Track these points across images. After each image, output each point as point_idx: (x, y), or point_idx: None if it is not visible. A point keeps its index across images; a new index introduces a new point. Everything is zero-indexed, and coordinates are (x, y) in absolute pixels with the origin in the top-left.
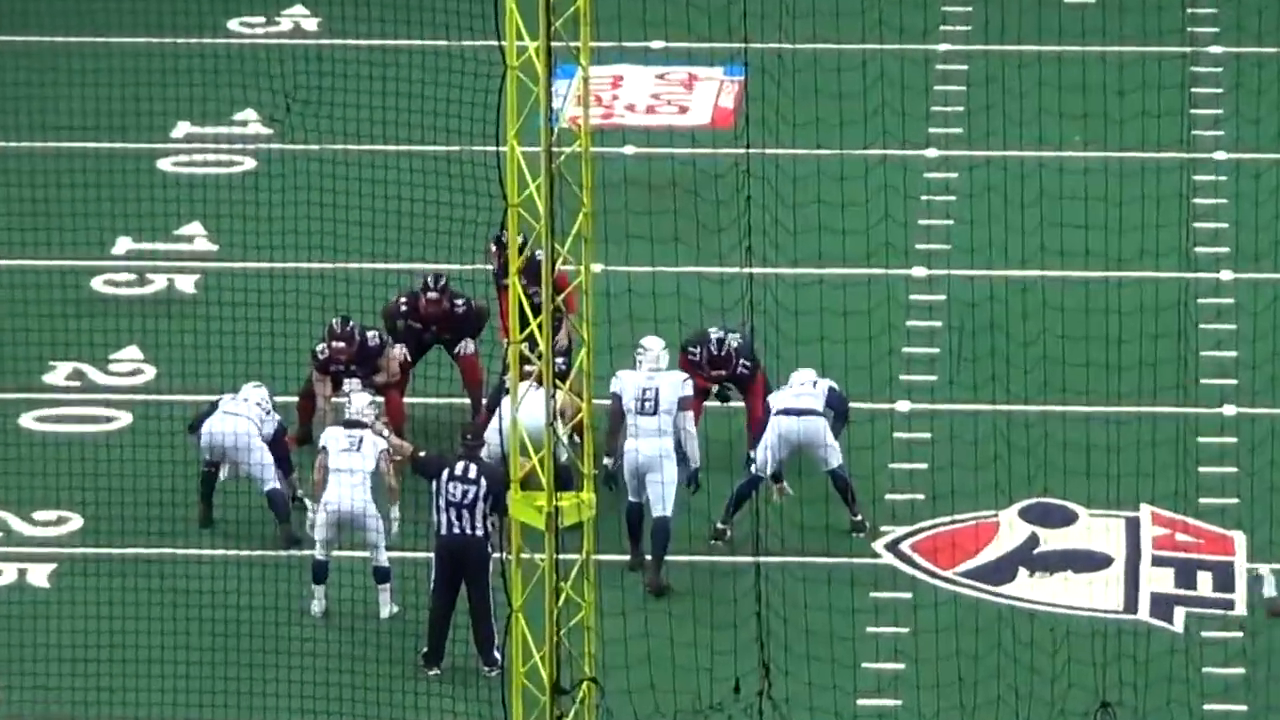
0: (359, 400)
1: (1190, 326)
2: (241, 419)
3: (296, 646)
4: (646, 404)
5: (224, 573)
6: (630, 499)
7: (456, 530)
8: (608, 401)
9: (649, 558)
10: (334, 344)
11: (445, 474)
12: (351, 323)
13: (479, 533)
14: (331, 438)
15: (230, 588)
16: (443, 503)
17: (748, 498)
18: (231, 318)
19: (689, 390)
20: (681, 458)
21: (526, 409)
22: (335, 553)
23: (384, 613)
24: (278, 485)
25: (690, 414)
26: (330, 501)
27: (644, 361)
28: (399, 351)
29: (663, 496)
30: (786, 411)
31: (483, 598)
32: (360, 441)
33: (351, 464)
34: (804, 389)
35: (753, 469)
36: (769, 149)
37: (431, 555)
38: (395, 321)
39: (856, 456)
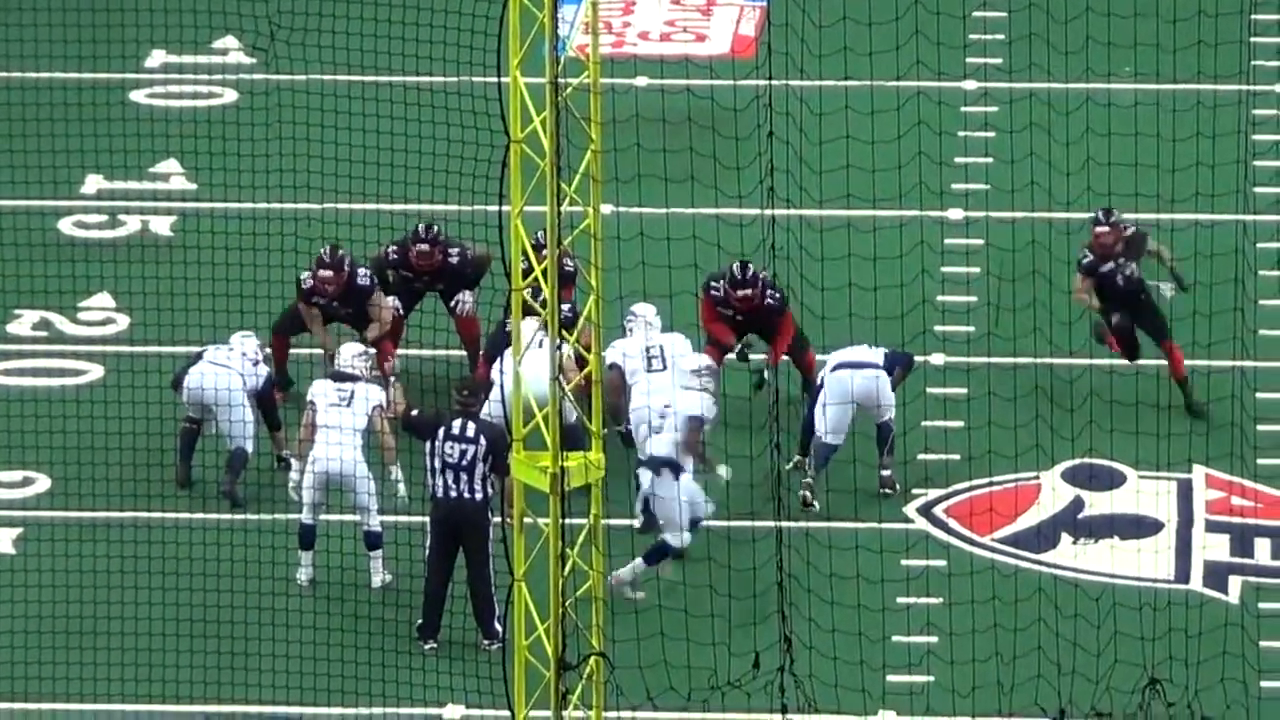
0: (348, 350)
1: (1248, 273)
2: (227, 372)
3: (281, 618)
4: (654, 360)
5: (202, 538)
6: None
7: (454, 494)
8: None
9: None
10: (320, 272)
11: (441, 433)
12: (343, 252)
13: (478, 496)
14: (320, 392)
15: (210, 554)
16: (438, 464)
17: (825, 465)
18: (210, 263)
19: (688, 348)
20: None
21: (530, 367)
22: (325, 517)
23: (375, 582)
24: (247, 447)
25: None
26: (318, 460)
27: (635, 328)
28: (391, 302)
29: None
30: (844, 365)
31: (482, 566)
32: (351, 396)
33: (341, 420)
34: (860, 349)
35: (823, 437)
36: (793, 80)
37: (427, 520)
38: (385, 272)
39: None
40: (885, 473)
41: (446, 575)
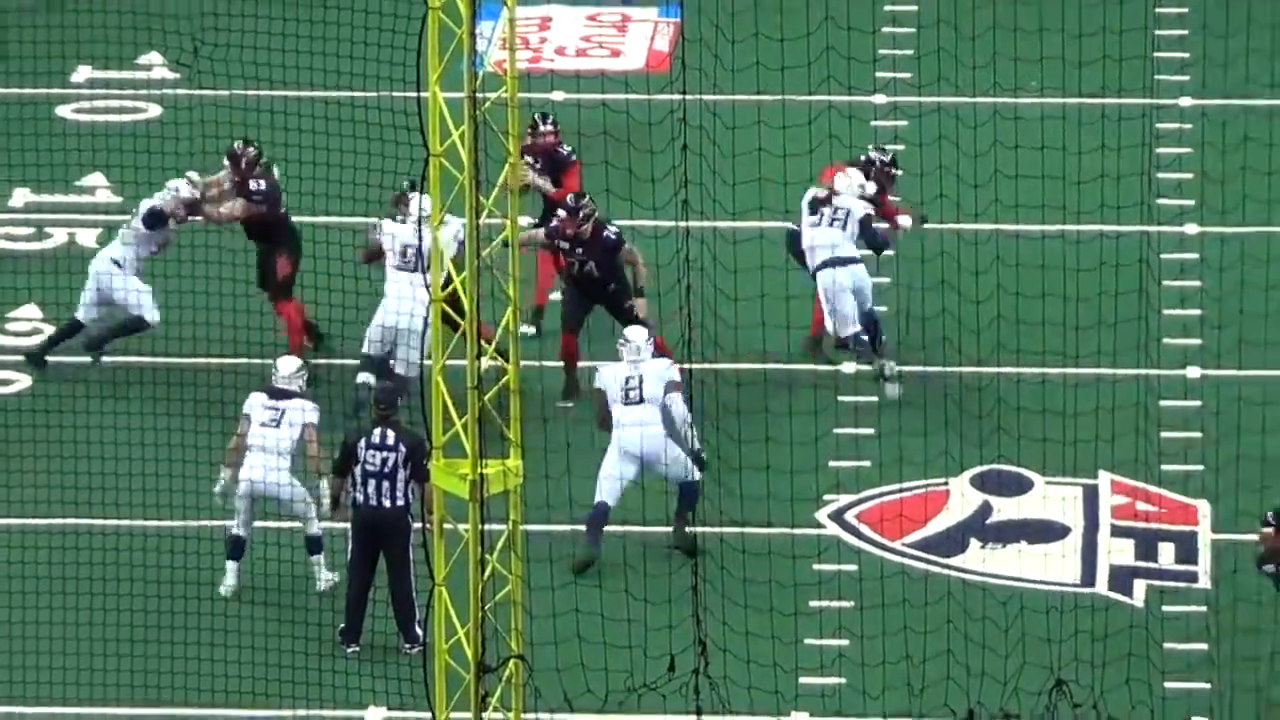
0: (286, 365)
1: (1152, 283)
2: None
3: (207, 623)
4: (631, 393)
5: (130, 544)
6: (600, 499)
7: (374, 502)
8: (535, 363)
9: (675, 520)
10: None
11: (363, 442)
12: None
13: (399, 503)
14: (255, 406)
15: (138, 560)
16: (360, 473)
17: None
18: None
19: (675, 375)
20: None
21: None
22: (258, 523)
23: (321, 584)
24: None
25: (679, 396)
26: (245, 480)
27: (625, 353)
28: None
29: (684, 468)
30: (830, 264)
31: (403, 571)
32: (282, 414)
33: (266, 442)
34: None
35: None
36: (706, 95)
37: (348, 527)
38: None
39: (799, 421)
40: (880, 361)
41: (367, 581)
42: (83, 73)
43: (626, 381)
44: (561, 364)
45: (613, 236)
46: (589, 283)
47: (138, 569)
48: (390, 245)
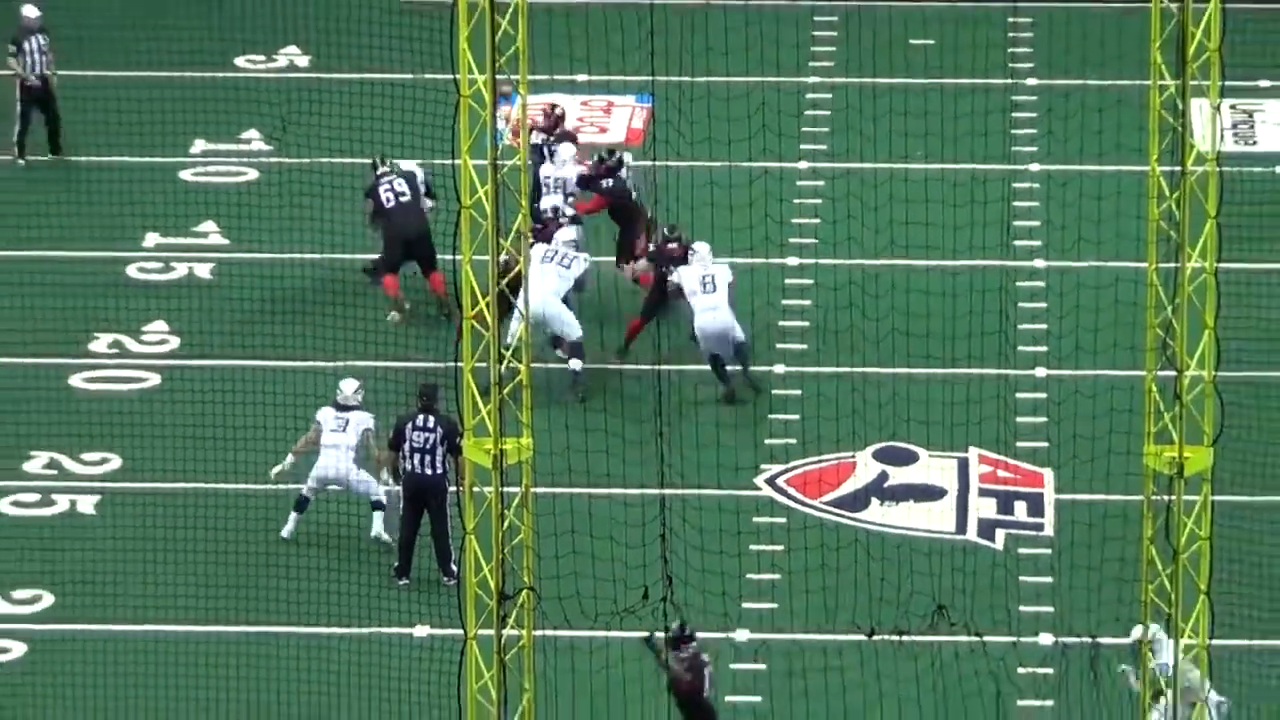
0: (348, 386)
1: (1010, 305)
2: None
3: (297, 562)
4: (706, 286)
5: (236, 503)
6: (714, 352)
7: (419, 470)
8: (541, 365)
9: (726, 385)
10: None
11: (409, 425)
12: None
13: (439, 471)
14: (326, 417)
15: (243, 515)
16: (409, 448)
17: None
18: (240, 298)
19: (731, 275)
20: None
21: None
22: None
23: (375, 530)
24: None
25: (732, 287)
26: (320, 467)
27: (695, 260)
28: None
29: (742, 332)
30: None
31: (442, 523)
32: (347, 423)
33: (338, 440)
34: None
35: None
36: (671, 162)
37: (400, 489)
38: None
39: (741, 409)
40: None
41: (414, 531)
42: (199, 145)
43: (702, 278)
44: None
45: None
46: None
47: (247, 520)
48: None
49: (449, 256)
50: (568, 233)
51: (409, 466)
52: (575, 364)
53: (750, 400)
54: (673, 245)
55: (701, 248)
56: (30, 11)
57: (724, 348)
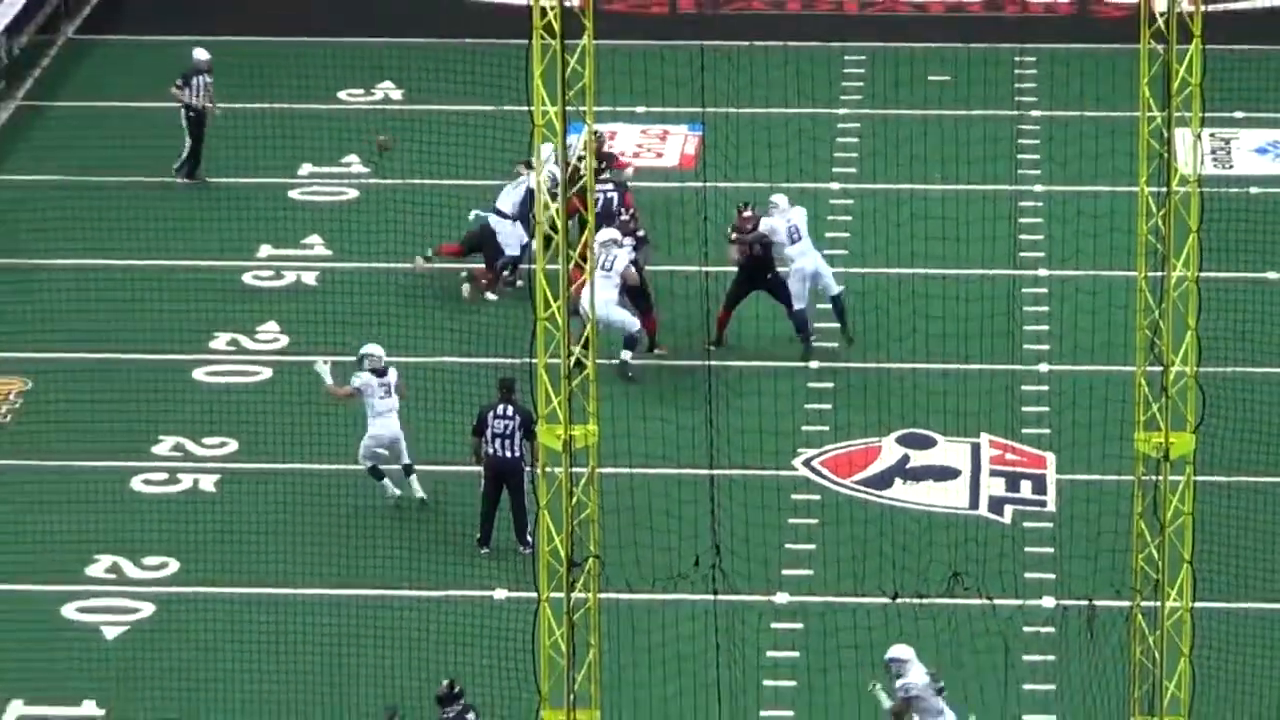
0: (377, 349)
1: (1016, 308)
2: None
3: (391, 534)
4: (794, 235)
5: (339, 481)
6: (798, 306)
7: (500, 453)
8: (611, 361)
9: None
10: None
11: (491, 414)
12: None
13: (516, 454)
14: (370, 384)
15: (344, 492)
16: (490, 434)
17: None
18: (341, 302)
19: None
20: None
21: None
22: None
23: (419, 493)
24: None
25: None
26: (378, 434)
27: (777, 211)
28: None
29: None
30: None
31: (519, 500)
32: (391, 385)
33: (390, 405)
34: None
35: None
36: (719, 183)
37: (481, 469)
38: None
39: (782, 400)
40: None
41: (494, 507)
42: (306, 168)
43: (789, 225)
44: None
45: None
46: (758, 266)
47: (344, 498)
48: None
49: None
50: (605, 233)
51: (491, 450)
52: (626, 354)
53: (845, 349)
54: (748, 215)
55: (780, 199)
56: (201, 54)
57: (821, 282)
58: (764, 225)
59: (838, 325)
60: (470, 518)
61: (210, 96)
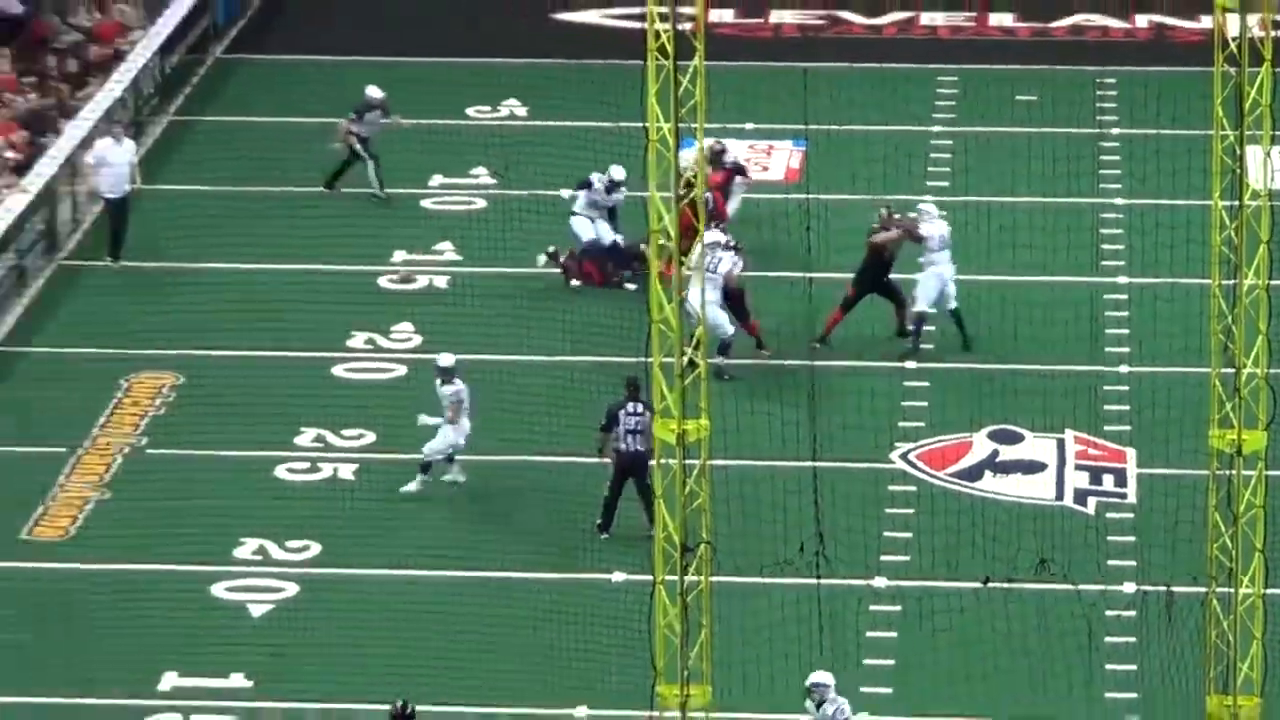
0: (449, 359)
1: (1099, 312)
2: None
3: (518, 518)
4: (944, 242)
5: (469, 471)
6: (922, 307)
7: (632, 448)
8: (719, 359)
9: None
10: None
11: (622, 411)
12: None
13: (644, 448)
14: (462, 391)
15: (472, 480)
16: (622, 430)
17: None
18: (472, 304)
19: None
20: None
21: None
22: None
23: (461, 478)
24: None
25: None
26: (462, 435)
27: (929, 217)
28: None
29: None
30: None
31: (647, 489)
32: (462, 395)
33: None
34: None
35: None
36: (821, 194)
37: (609, 462)
38: None
39: (878, 400)
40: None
41: (618, 497)
42: (437, 179)
43: (940, 236)
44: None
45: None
46: (880, 270)
47: (472, 486)
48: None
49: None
50: (711, 235)
51: (623, 446)
52: (718, 359)
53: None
54: (898, 216)
55: (929, 207)
56: (375, 92)
57: (947, 291)
58: (923, 229)
59: (959, 334)
60: (587, 506)
61: (378, 132)
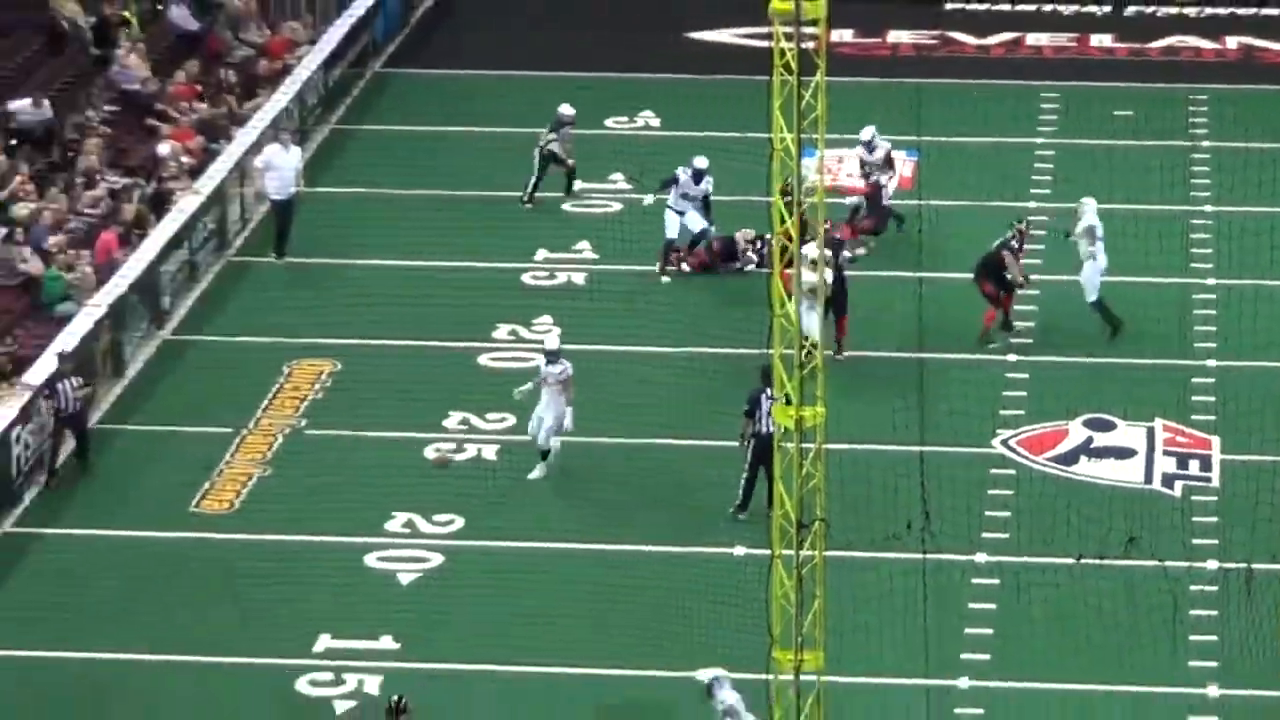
0: (554, 340)
1: (1188, 311)
2: None
3: (647, 494)
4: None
5: (598, 453)
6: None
7: (769, 430)
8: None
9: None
10: None
11: (762, 395)
12: None
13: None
14: (550, 372)
15: (601, 462)
16: (760, 414)
17: None
18: (607, 301)
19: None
20: None
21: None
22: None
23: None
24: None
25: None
26: (554, 414)
27: (1088, 210)
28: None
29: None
30: None
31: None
32: (562, 374)
33: (557, 390)
34: None
35: None
36: (933, 200)
37: (749, 446)
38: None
39: (981, 390)
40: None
41: (756, 477)
42: (578, 184)
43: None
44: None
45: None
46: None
47: (601, 468)
48: None
49: None
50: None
51: (762, 429)
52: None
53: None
54: (1026, 229)
55: (1089, 200)
56: (566, 110)
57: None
58: (1088, 219)
59: (1105, 324)
60: (710, 486)
61: (569, 148)
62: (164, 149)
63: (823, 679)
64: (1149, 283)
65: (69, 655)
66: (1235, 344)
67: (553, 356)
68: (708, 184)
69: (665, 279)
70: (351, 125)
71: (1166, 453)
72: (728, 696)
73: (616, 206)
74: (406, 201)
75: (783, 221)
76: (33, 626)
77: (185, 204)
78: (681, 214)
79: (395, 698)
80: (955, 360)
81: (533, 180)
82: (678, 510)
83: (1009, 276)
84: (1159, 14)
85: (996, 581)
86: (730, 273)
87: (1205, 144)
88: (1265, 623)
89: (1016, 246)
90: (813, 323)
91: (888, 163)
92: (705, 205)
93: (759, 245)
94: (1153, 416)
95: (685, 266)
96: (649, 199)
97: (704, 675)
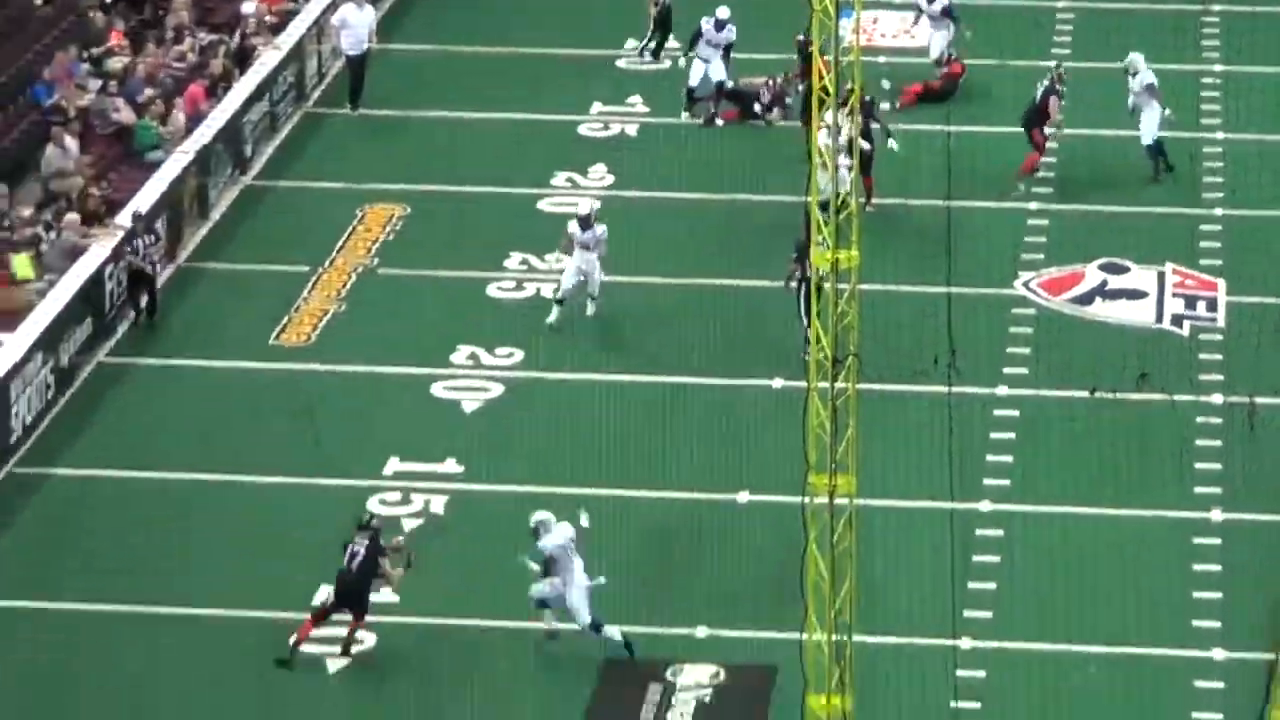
0: (586, 207)
1: (1198, 164)
2: None
3: (695, 336)
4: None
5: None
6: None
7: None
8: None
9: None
10: None
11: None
12: None
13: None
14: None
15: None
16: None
17: None
18: (662, 150)
19: None
20: None
21: None
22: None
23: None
24: None
25: None
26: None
27: (1143, 67)
28: None
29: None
30: None
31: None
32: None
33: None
34: None
35: None
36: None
37: (797, 290)
38: None
39: (1003, 236)
40: None
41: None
42: (630, 42)
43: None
44: None
45: None
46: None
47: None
48: None
49: None
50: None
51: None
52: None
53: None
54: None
55: (1139, 57)
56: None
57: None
58: (1144, 75)
59: (1163, 164)
60: (752, 322)
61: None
62: (248, 7)
63: (855, 502)
64: (1162, 137)
65: (157, 475)
66: (1241, 195)
67: (585, 221)
68: (730, 32)
69: (692, 119)
70: None
71: (1176, 294)
72: (549, 541)
73: (668, 64)
74: (471, 58)
75: (821, 77)
76: (126, 450)
77: (267, 59)
78: (707, 62)
79: (365, 516)
80: (979, 209)
81: (655, 40)
82: (720, 344)
83: (1054, 118)
84: None
85: (1016, 413)
86: (757, 126)
87: (1216, 7)
88: (1265, 452)
89: (1061, 90)
90: (844, 175)
91: (944, 15)
92: (726, 54)
93: (771, 84)
94: (1163, 261)
95: (720, 121)
96: (685, 58)
97: (533, 519)
